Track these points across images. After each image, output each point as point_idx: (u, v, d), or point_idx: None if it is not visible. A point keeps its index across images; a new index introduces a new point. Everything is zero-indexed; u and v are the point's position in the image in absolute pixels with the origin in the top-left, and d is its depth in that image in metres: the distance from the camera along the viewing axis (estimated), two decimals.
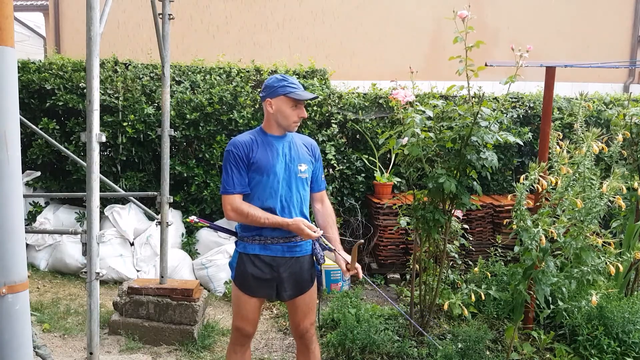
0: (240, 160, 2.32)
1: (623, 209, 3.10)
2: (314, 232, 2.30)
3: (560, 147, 3.39)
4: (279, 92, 2.33)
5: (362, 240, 2.57)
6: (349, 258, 2.37)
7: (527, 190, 2.85)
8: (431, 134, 3.14)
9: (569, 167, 2.95)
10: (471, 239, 4.35)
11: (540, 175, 2.83)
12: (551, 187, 2.95)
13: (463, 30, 2.86)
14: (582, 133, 3.43)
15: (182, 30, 8.13)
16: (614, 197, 2.82)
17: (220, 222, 4.96)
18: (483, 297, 3.36)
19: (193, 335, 3.51)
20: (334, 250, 2.44)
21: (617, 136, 3.39)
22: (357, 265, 2.36)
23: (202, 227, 5.15)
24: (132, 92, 4.93)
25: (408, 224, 3.58)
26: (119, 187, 4.53)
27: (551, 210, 2.92)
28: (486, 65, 3.02)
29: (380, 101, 5.35)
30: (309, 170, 2.46)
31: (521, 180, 2.83)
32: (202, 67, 5.29)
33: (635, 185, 3.14)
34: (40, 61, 5.15)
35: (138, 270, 4.68)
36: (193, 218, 2.65)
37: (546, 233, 2.70)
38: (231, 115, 4.92)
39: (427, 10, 8.40)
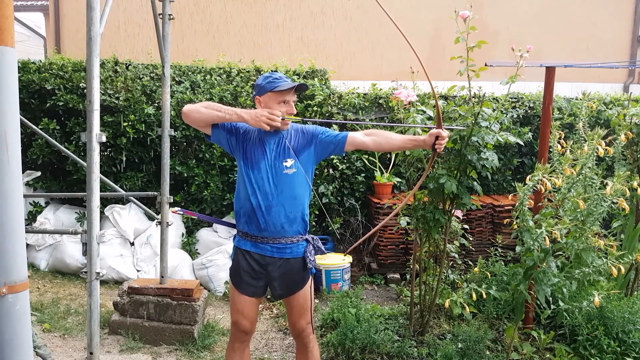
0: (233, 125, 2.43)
1: (627, 211, 3.10)
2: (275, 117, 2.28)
3: (562, 147, 3.38)
4: (266, 88, 2.38)
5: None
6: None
7: (530, 191, 2.84)
8: None
9: (571, 168, 2.94)
10: (471, 239, 4.35)
11: (544, 176, 2.82)
12: (553, 188, 2.94)
13: (464, 30, 2.86)
14: (585, 133, 3.42)
15: (182, 31, 8.12)
16: (617, 199, 2.81)
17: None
18: (484, 296, 3.35)
19: (193, 335, 3.51)
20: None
21: (620, 136, 3.38)
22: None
23: (202, 226, 5.15)
24: (132, 92, 4.93)
25: (408, 223, 3.58)
26: (119, 187, 4.52)
27: (553, 211, 2.91)
28: (486, 65, 3.01)
29: (380, 101, 5.35)
30: (297, 164, 2.38)
31: (526, 181, 2.81)
32: (202, 67, 5.28)
33: (635, 185, 3.13)
34: (41, 61, 5.15)
35: (138, 270, 4.67)
36: (177, 209, 2.57)
37: (549, 234, 2.69)
38: None
39: (427, 11, 8.39)
